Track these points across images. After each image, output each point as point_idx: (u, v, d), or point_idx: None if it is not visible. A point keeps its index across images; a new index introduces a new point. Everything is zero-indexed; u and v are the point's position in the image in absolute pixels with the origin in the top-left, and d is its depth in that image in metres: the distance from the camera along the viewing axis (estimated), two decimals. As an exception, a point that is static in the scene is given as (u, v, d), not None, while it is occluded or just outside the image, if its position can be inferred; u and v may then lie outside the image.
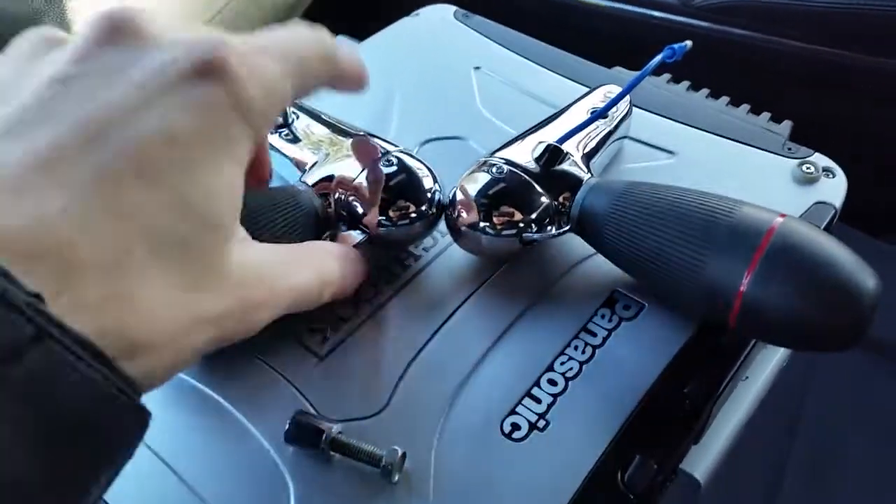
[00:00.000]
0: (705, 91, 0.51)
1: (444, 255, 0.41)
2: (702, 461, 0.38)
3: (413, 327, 0.38)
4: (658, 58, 0.41)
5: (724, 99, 0.50)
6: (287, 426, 0.33)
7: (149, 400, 0.21)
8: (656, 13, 0.85)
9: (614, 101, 0.41)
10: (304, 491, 0.32)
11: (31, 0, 0.62)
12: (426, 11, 0.57)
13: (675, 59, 0.42)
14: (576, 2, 0.88)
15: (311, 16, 0.92)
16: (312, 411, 0.34)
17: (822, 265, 0.32)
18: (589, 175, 0.39)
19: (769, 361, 0.43)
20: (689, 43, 0.42)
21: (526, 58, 0.53)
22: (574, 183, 0.38)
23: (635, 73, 0.40)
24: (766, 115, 0.49)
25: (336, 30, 0.64)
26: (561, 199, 0.38)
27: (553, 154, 0.39)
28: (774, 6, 0.76)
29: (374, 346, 0.37)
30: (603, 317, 0.38)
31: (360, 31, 0.59)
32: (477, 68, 0.52)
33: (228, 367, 0.36)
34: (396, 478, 0.32)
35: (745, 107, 0.50)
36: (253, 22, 0.83)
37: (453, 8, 0.57)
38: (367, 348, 0.37)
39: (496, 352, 0.37)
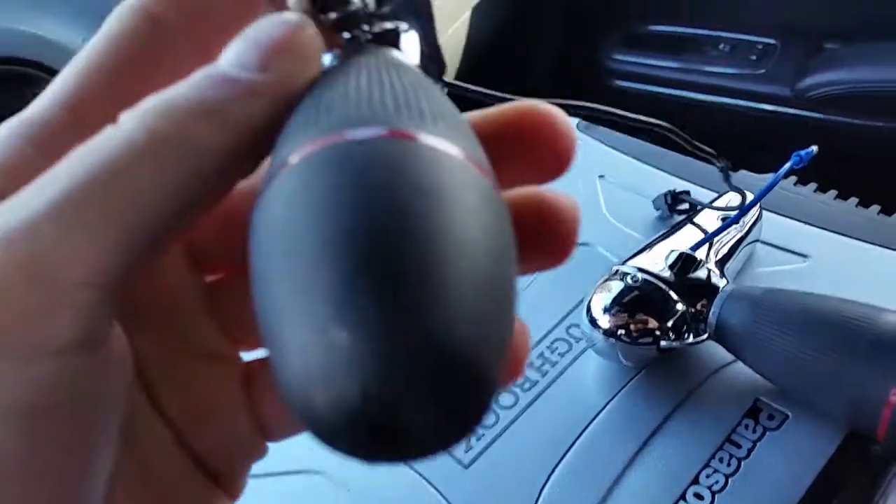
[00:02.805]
0: (833, 192, 0.51)
1: (580, 360, 0.42)
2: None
3: (553, 436, 0.38)
4: (787, 165, 0.42)
5: (853, 200, 0.50)
6: (439, 533, 0.34)
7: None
8: (768, 107, 0.86)
9: (746, 209, 0.42)
10: None
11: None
12: (548, 122, 0.60)
13: (802, 166, 0.43)
14: (687, 100, 0.90)
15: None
16: (461, 518, 0.36)
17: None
18: (725, 282, 0.39)
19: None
20: (814, 148, 0.43)
21: (649, 164, 0.54)
22: (710, 290, 0.39)
23: (759, 176, 0.41)
24: (898, 215, 0.48)
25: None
26: (698, 306, 0.38)
27: (687, 262, 0.40)
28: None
29: (517, 454, 0.38)
30: (747, 427, 0.38)
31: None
32: (601, 177, 0.54)
33: (378, 474, 0.38)
34: (547, 588, 0.33)
35: (876, 207, 0.49)
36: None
37: (576, 120, 0.59)
38: (510, 456, 0.38)
39: (639, 462, 0.37)
